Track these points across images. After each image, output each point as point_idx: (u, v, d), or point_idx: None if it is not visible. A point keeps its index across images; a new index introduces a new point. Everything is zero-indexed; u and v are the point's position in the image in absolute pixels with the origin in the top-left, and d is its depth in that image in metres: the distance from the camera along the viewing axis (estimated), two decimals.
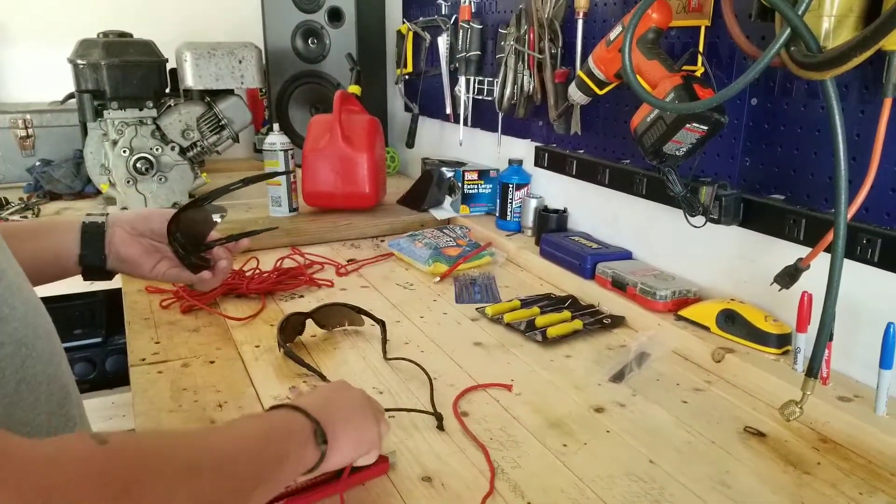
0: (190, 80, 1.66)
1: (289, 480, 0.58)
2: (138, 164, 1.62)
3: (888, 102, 0.76)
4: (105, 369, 1.63)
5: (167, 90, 1.73)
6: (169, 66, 1.72)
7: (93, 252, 0.80)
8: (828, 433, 0.80)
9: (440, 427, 0.80)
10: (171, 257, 0.85)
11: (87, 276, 0.81)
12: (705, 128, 0.92)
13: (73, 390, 0.61)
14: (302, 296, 1.21)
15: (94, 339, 1.66)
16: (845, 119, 0.73)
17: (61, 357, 0.60)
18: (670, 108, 0.85)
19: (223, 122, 1.70)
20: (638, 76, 0.91)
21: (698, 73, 1.00)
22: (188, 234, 0.85)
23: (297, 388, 0.88)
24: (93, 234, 0.80)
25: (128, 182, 1.62)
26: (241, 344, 1.01)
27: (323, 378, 0.91)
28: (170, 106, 1.69)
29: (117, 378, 1.65)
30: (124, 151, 1.61)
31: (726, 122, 0.92)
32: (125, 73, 1.63)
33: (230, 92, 1.72)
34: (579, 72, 1.12)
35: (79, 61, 1.65)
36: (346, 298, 1.19)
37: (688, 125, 0.92)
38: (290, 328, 1.01)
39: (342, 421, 0.63)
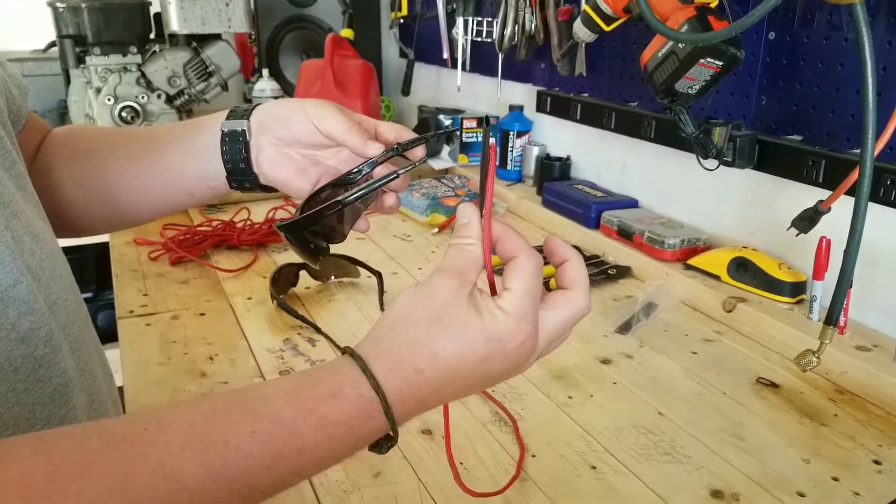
0: (175, 23, 1.58)
1: None
2: (123, 113, 1.56)
3: None
4: (97, 325, 1.60)
5: (152, 35, 1.66)
6: (153, 10, 1.64)
7: (239, 171, 0.60)
8: (845, 384, 0.76)
9: None
10: (333, 171, 0.60)
11: (247, 192, 0.63)
12: (720, 63, 0.86)
13: (74, 377, 0.48)
14: None
15: (85, 294, 1.62)
16: (872, 51, 0.68)
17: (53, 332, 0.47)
18: (684, 39, 0.80)
19: (211, 69, 1.63)
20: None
21: (713, 5, 0.94)
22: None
23: (291, 340, 0.84)
24: (234, 149, 0.59)
25: None
26: (232, 296, 0.97)
27: (317, 330, 0.87)
28: (155, 52, 1.62)
29: (109, 334, 1.61)
30: (109, 100, 1.55)
31: (742, 57, 0.86)
32: (107, 17, 1.56)
33: (217, 37, 1.64)
34: (585, 6, 1.05)
35: (58, 4, 1.57)
36: (342, 250, 1.14)
37: (702, 60, 0.86)
38: (283, 280, 0.97)
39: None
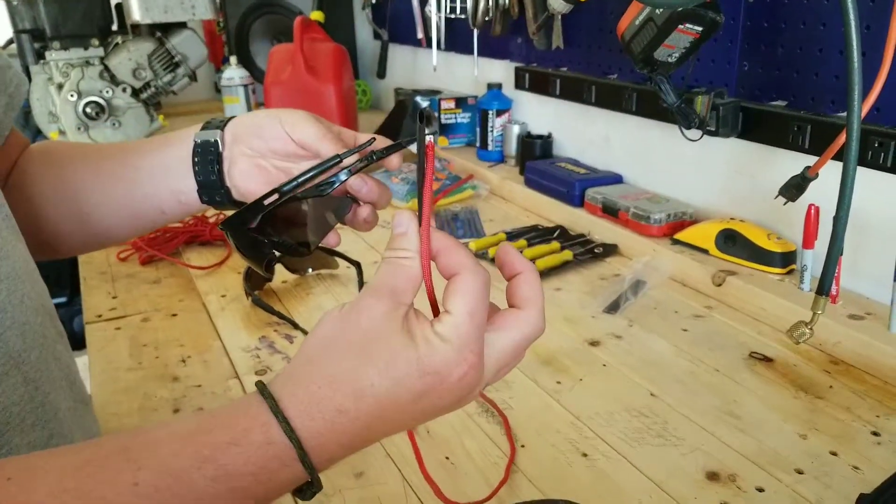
0: (137, 13, 1.52)
1: None
2: (88, 109, 1.50)
3: None
4: (73, 329, 1.56)
5: (114, 27, 1.60)
6: (114, 0, 1.59)
7: (209, 185, 0.57)
8: (839, 354, 0.74)
9: None
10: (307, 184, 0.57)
11: (220, 208, 0.60)
12: (699, 28, 0.83)
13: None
14: None
15: (59, 298, 1.58)
16: (855, 9, 0.65)
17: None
18: (661, 4, 0.76)
19: (177, 59, 1.57)
20: None
21: None
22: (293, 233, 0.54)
23: (267, 338, 0.81)
24: (206, 161, 0.56)
25: (79, 129, 1.51)
26: (205, 294, 0.94)
27: (295, 326, 0.84)
28: (117, 44, 1.56)
29: (84, 340, 1.57)
30: (72, 95, 1.50)
31: (722, 22, 0.83)
32: (64, 9, 1.49)
33: (182, 25, 1.59)
34: None
35: None
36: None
37: (680, 26, 0.83)
38: (258, 274, 0.93)
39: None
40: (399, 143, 0.53)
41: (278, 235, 0.52)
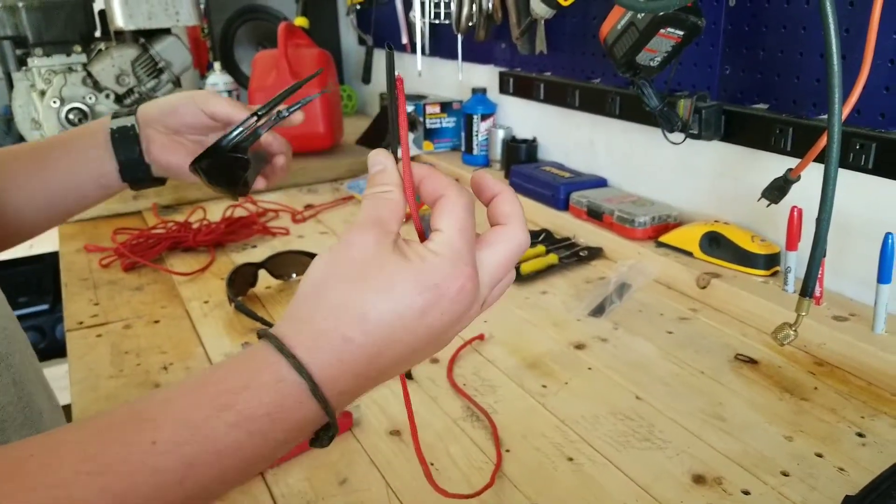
0: (120, 19, 1.51)
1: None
2: (71, 116, 1.49)
3: None
4: (55, 337, 1.54)
5: (97, 33, 1.59)
6: (97, 6, 1.57)
7: (132, 164, 0.64)
8: (823, 356, 0.74)
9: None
10: None
11: (138, 188, 0.67)
12: (681, 33, 0.83)
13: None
14: (255, 246, 1.13)
15: (42, 305, 1.56)
16: (835, 13, 0.65)
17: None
18: (641, 8, 0.77)
19: (161, 66, 1.56)
20: None
21: None
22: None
23: (250, 345, 0.80)
24: (126, 143, 0.63)
25: None
26: (188, 301, 0.93)
27: None
28: (101, 50, 1.54)
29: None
30: (54, 102, 1.48)
31: (703, 26, 0.83)
32: (47, 15, 1.48)
33: (167, 31, 1.57)
34: None
35: None
36: (304, 246, 1.10)
37: (662, 31, 0.83)
38: (241, 280, 0.93)
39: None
40: (303, 101, 0.66)
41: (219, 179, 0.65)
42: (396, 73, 0.38)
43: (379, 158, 0.38)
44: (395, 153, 0.38)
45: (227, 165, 0.63)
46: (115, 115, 0.64)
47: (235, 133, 0.62)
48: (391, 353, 0.35)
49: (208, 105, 0.64)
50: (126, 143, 0.63)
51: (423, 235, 0.37)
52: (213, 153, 0.62)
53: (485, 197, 0.40)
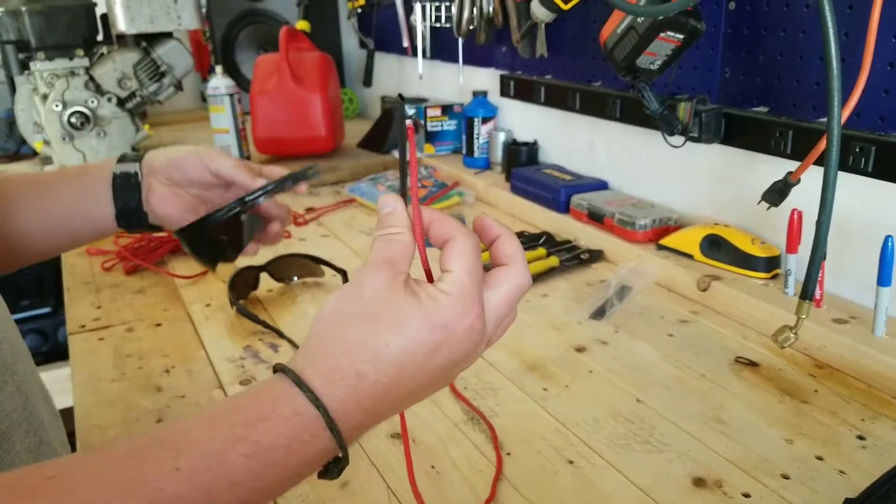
0: (122, 23, 1.51)
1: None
2: (73, 119, 1.49)
3: None
4: (58, 340, 1.54)
5: (99, 37, 1.59)
6: (99, 11, 1.58)
7: (129, 212, 0.64)
8: (824, 358, 0.75)
9: None
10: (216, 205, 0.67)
11: (132, 231, 0.68)
12: (681, 36, 0.83)
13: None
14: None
15: (44, 308, 1.57)
16: (834, 17, 0.65)
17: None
18: (642, 12, 0.77)
19: (163, 69, 1.57)
20: None
21: None
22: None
23: (252, 348, 0.80)
24: (126, 189, 0.63)
25: (63, 139, 1.50)
26: (190, 304, 0.93)
27: (280, 335, 0.83)
28: (103, 54, 1.55)
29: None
30: (57, 106, 1.49)
31: (703, 29, 0.83)
32: (49, 20, 1.49)
33: (168, 35, 1.58)
34: None
35: None
36: (306, 249, 1.11)
37: (662, 34, 0.83)
38: (243, 283, 0.93)
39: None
40: (305, 171, 0.66)
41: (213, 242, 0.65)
42: (407, 122, 0.39)
43: (388, 201, 0.39)
44: (404, 195, 0.40)
45: (211, 240, 0.64)
46: (122, 159, 0.64)
47: (222, 212, 0.62)
48: (402, 389, 0.36)
49: (213, 163, 0.64)
50: (126, 191, 0.63)
51: (431, 277, 0.39)
52: (198, 227, 0.62)
53: (486, 238, 0.41)
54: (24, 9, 1.47)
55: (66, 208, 0.63)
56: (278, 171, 0.67)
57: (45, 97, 1.49)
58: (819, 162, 0.69)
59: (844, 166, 0.77)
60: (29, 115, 1.56)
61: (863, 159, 0.76)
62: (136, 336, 0.85)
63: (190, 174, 0.64)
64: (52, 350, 1.54)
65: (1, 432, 0.42)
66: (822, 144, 0.68)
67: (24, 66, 1.53)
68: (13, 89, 1.58)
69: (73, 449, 0.63)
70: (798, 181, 0.76)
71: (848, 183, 0.77)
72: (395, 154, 1.57)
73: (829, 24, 0.64)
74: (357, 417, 0.35)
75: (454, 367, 0.38)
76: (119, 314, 0.91)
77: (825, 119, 0.67)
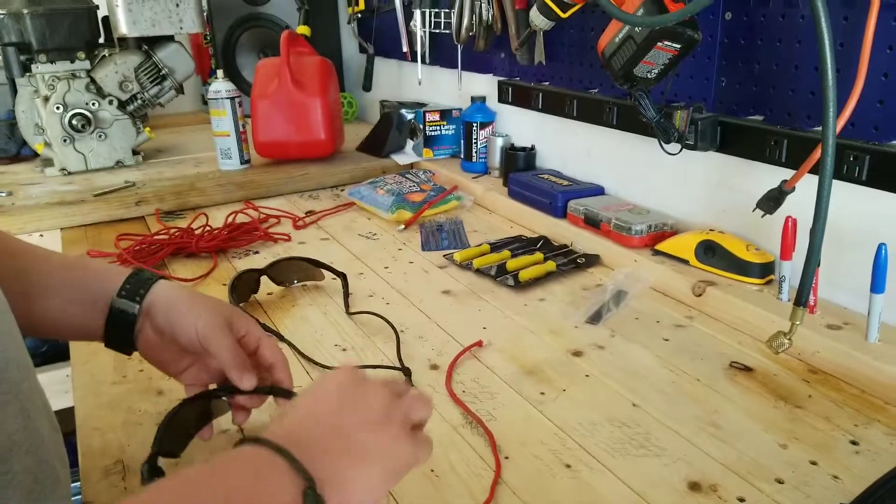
0: (123, 26, 1.52)
1: None
2: (74, 121, 1.50)
3: (876, 3, 0.69)
4: (58, 341, 1.55)
5: (100, 40, 1.60)
6: (101, 13, 1.59)
7: (117, 343, 0.60)
8: (817, 364, 0.76)
9: (408, 383, 0.74)
10: (203, 366, 0.62)
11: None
12: (678, 46, 0.85)
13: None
14: (257, 252, 1.14)
15: None
16: (829, 28, 0.67)
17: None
18: (639, 22, 0.78)
19: (164, 72, 1.58)
20: None
21: None
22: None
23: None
24: (119, 327, 0.59)
25: (64, 141, 1.51)
26: None
27: (281, 338, 0.84)
28: (104, 56, 1.56)
29: (68, 353, 1.56)
30: (58, 108, 1.49)
31: (700, 39, 0.85)
32: (51, 22, 1.49)
33: (170, 38, 1.59)
34: None
35: None
36: (305, 252, 1.11)
37: (659, 44, 0.84)
38: (243, 286, 0.94)
39: (354, 459, 0.43)
40: (290, 393, 0.60)
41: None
42: None
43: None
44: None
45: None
46: (124, 290, 0.58)
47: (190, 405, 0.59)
48: (338, 421, 0.45)
49: (208, 343, 0.58)
50: (120, 328, 0.59)
51: None
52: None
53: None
54: (25, 11, 1.47)
55: (60, 313, 0.59)
56: (275, 356, 0.61)
57: (46, 99, 1.50)
58: (814, 170, 0.70)
59: (839, 175, 0.78)
60: (30, 117, 1.57)
61: (857, 168, 0.78)
62: None
63: (180, 337, 0.59)
64: (50, 350, 1.54)
65: (1, 455, 0.42)
66: (817, 153, 0.70)
67: (25, 69, 1.54)
68: (14, 91, 1.59)
69: (73, 460, 0.63)
70: (793, 189, 0.77)
71: (842, 191, 0.78)
72: (394, 158, 1.58)
73: (825, 34, 0.65)
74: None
75: (380, 416, 0.46)
76: None
77: (820, 128, 0.68)
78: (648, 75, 0.88)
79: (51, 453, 0.49)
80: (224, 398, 0.60)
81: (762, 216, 0.81)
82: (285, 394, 0.60)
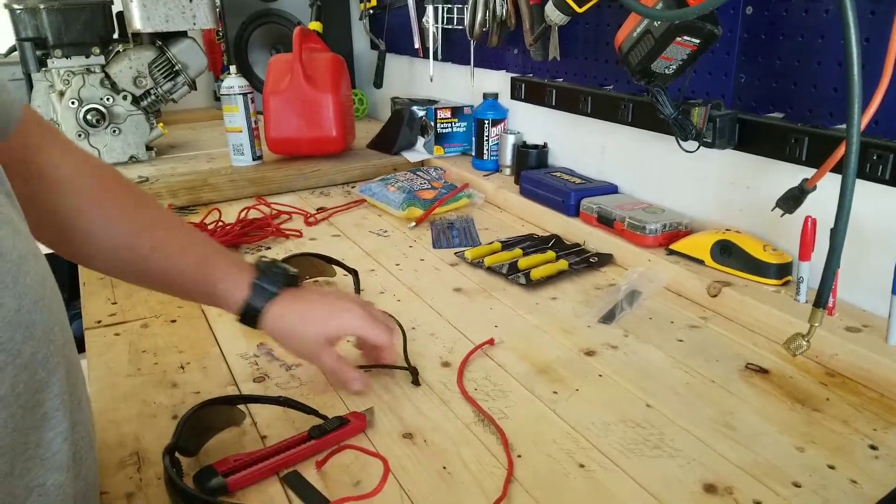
0: (137, 22, 1.52)
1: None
2: (89, 116, 1.51)
3: None
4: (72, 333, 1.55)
5: (115, 35, 1.60)
6: (115, 9, 1.59)
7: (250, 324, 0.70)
8: (835, 367, 0.74)
9: (415, 382, 0.74)
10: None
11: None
12: (697, 41, 0.83)
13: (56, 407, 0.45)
14: (269, 247, 1.13)
15: None
16: (856, 22, 0.65)
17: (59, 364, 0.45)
18: (659, 16, 0.77)
19: (177, 68, 1.58)
20: None
21: None
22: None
23: (265, 345, 0.81)
24: (249, 318, 0.69)
25: (79, 135, 1.51)
26: None
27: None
28: (118, 52, 1.56)
29: (83, 344, 1.56)
30: (73, 103, 1.50)
31: (720, 34, 0.83)
32: (67, 17, 1.50)
33: (183, 34, 1.59)
34: None
35: (15, 6, 1.52)
36: (316, 248, 1.11)
37: (678, 38, 0.83)
38: None
39: (305, 302, 0.70)
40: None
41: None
42: None
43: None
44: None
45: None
46: (259, 283, 0.69)
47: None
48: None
49: (314, 364, 0.72)
50: (248, 319, 0.69)
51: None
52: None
53: None
54: (42, 6, 1.48)
55: (177, 285, 0.69)
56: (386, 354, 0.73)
57: (61, 94, 1.50)
58: (835, 169, 0.69)
59: (861, 174, 0.77)
60: (45, 111, 1.58)
61: (880, 167, 0.76)
62: (152, 332, 0.86)
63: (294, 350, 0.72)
64: None
65: (48, 414, 0.43)
66: (840, 151, 0.68)
67: (41, 64, 1.54)
68: (30, 86, 1.60)
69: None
70: (814, 188, 0.76)
71: (864, 190, 0.77)
72: (405, 155, 1.57)
73: (852, 29, 0.64)
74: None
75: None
76: (134, 310, 0.92)
77: (842, 126, 0.67)
78: (666, 71, 0.87)
79: (87, 420, 0.50)
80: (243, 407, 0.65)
81: (781, 215, 0.80)
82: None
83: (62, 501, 0.44)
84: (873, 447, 0.62)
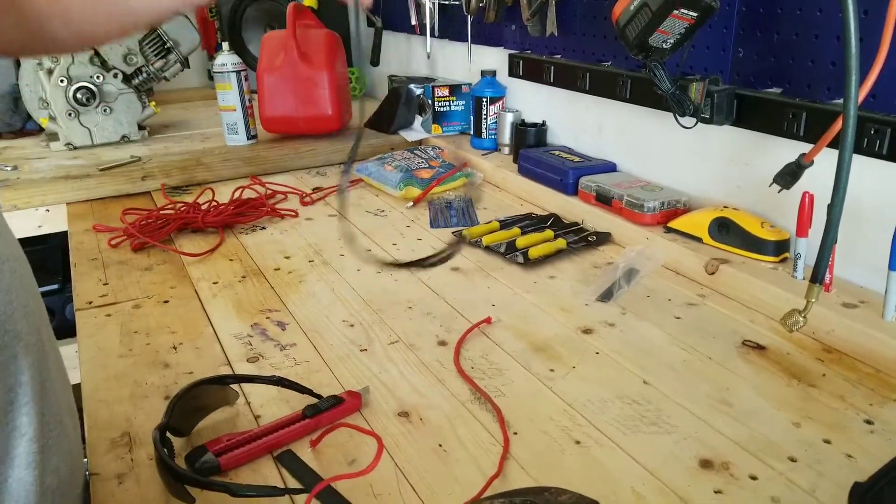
0: None
1: None
2: (78, 95, 1.49)
3: None
4: (65, 317, 1.55)
5: None
6: None
7: None
8: (832, 342, 0.74)
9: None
10: None
11: None
12: (695, 14, 0.82)
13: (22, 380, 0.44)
14: (264, 227, 1.13)
15: (51, 285, 1.57)
16: None
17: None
18: None
19: (169, 45, 1.56)
20: None
21: None
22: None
23: (259, 325, 0.80)
24: None
25: (69, 114, 1.49)
26: (197, 281, 0.93)
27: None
28: None
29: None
30: (62, 81, 1.48)
31: (717, 7, 0.82)
32: None
33: None
34: None
35: None
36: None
37: (675, 12, 0.82)
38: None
39: None
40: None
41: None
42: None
43: None
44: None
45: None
46: None
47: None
48: None
49: None
50: None
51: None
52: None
53: None
54: None
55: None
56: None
57: (49, 72, 1.48)
58: (832, 144, 0.68)
59: (859, 149, 0.76)
60: (34, 90, 1.56)
61: (877, 142, 0.76)
62: (144, 313, 0.85)
63: None
64: (59, 326, 1.54)
65: (2, 406, 0.41)
66: (837, 126, 0.68)
67: None
68: (18, 64, 1.57)
69: (82, 422, 0.63)
70: (811, 163, 0.75)
71: (861, 165, 0.76)
72: (402, 134, 1.56)
73: (850, 2, 0.63)
74: None
75: None
76: (126, 291, 0.91)
77: (840, 100, 0.66)
78: (664, 45, 0.86)
79: (61, 408, 0.48)
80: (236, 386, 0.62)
81: (779, 191, 0.79)
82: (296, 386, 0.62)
83: (25, 498, 0.42)
84: (869, 422, 0.62)
